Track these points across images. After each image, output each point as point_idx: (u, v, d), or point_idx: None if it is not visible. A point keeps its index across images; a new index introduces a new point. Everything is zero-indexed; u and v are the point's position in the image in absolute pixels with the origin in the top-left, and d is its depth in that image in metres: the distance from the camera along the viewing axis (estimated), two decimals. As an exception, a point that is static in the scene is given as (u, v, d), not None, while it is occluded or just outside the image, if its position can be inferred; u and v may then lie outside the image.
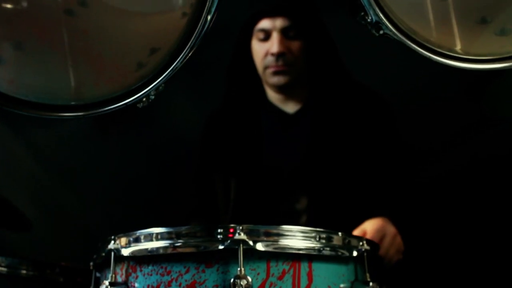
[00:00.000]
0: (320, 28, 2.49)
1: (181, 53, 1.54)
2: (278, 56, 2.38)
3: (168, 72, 1.51)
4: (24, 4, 1.65)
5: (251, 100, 2.56)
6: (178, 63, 1.50)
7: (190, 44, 1.56)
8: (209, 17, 1.60)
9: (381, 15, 1.48)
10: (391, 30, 1.50)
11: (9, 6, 1.63)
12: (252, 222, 2.34)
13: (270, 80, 2.44)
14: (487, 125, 2.53)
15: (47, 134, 2.92)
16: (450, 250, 2.62)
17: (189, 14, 1.63)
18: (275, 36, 2.39)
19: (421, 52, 1.53)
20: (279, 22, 2.40)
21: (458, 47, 1.56)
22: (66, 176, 2.90)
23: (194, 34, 1.58)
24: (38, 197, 2.89)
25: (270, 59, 2.40)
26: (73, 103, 1.58)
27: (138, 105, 1.53)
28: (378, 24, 1.50)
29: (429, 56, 1.53)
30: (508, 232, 2.56)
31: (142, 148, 2.93)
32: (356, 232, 2.13)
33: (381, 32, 1.50)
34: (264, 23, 2.41)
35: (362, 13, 1.53)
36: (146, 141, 2.91)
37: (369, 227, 2.13)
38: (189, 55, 1.56)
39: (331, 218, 2.34)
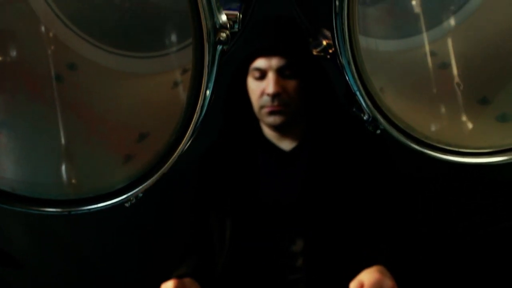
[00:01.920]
0: (317, 67, 2.42)
1: (175, 150, 1.34)
2: (274, 96, 2.33)
3: (158, 175, 1.39)
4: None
5: (247, 137, 2.51)
6: (167, 167, 1.37)
7: (187, 138, 1.33)
8: (208, 92, 1.38)
9: (379, 116, 1.41)
10: (388, 129, 1.44)
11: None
12: (247, 262, 2.38)
13: (266, 119, 2.39)
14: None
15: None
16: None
17: (182, 84, 1.50)
18: (270, 76, 2.33)
19: (420, 150, 1.47)
20: (274, 62, 2.33)
21: (458, 140, 1.51)
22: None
23: (192, 122, 1.34)
24: (32, 229, 2.86)
25: (266, 98, 2.34)
26: (62, 198, 1.52)
27: (126, 204, 1.46)
28: (376, 123, 1.44)
29: (429, 154, 1.47)
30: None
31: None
32: (353, 284, 2.10)
33: (378, 131, 1.44)
34: (260, 62, 2.35)
35: (358, 107, 1.47)
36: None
37: (366, 280, 2.10)
38: (186, 147, 1.35)
39: (328, 261, 2.33)
